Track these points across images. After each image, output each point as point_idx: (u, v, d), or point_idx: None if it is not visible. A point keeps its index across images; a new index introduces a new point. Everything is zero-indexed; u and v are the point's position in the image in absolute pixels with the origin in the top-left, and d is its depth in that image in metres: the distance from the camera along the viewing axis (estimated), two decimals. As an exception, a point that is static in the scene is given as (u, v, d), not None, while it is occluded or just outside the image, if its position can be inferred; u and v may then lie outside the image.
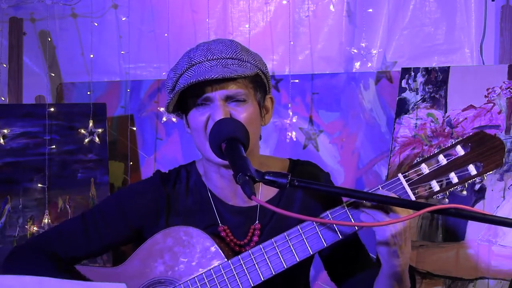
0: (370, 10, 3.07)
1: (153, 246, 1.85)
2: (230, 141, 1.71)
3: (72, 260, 1.95)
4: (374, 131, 3.05)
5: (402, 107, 2.87)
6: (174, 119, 3.14)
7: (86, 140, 3.15)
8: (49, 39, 3.34)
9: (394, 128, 2.86)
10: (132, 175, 3.26)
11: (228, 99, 1.81)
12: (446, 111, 2.80)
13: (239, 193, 1.92)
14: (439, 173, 1.65)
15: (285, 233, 1.74)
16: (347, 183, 3.05)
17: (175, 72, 1.86)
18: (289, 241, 1.73)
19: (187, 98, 1.85)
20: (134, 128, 3.32)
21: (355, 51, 3.04)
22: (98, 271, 1.94)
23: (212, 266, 1.78)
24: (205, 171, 1.97)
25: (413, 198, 1.67)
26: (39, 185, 3.07)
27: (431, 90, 2.85)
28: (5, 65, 3.31)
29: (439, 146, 2.76)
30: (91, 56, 3.32)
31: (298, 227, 1.74)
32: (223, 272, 1.76)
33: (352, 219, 1.70)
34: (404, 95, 2.89)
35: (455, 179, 1.64)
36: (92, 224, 1.95)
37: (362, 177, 3.07)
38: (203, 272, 1.78)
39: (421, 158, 1.69)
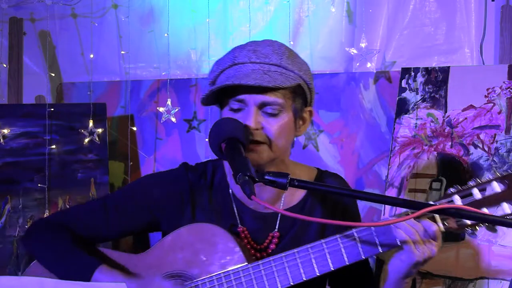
0: (370, 10, 3.07)
1: (176, 239, 1.85)
2: (230, 141, 1.71)
3: (89, 241, 1.95)
4: (374, 131, 3.05)
5: (402, 107, 2.87)
6: (173, 119, 3.14)
7: (86, 140, 3.15)
8: (49, 39, 3.34)
9: (394, 128, 2.86)
10: (132, 175, 3.26)
11: (263, 106, 1.78)
12: (446, 111, 2.80)
13: (262, 197, 1.89)
14: (472, 207, 1.61)
15: (308, 246, 1.73)
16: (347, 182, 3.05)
17: (218, 66, 1.85)
18: (311, 253, 1.72)
19: (224, 94, 1.83)
20: (134, 128, 3.32)
21: (355, 51, 3.04)
22: (119, 255, 1.93)
23: (231, 268, 1.77)
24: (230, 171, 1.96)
25: (442, 228, 1.65)
26: (39, 185, 3.07)
27: (431, 90, 2.85)
28: (5, 65, 3.31)
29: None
30: (91, 56, 3.32)
31: (322, 241, 1.72)
32: (242, 275, 1.75)
33: (377, 240, 1.68)
34: (404, 95, 2.89)
35: None
36: (113, 207, 1.93)
37: (362, 177, 3.07)
38: (222, 273, 1.78)
39: (455, 189, 1.67)
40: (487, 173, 2.63)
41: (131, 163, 3.26)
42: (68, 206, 3.09)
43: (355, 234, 1.70)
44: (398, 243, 1.66)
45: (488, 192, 1.63)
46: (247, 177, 1.56)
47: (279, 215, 1.91)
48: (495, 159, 2.64)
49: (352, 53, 3.06)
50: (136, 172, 3.30)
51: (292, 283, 1.72)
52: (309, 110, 1.92)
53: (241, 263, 1.77)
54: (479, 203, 1.63)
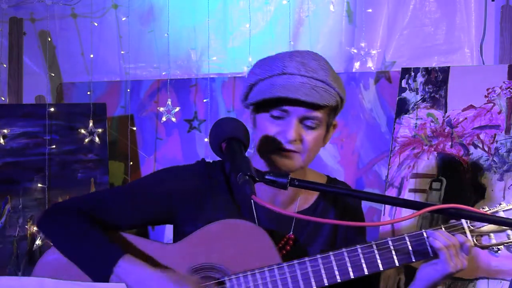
0: (370, 10, 3.07)
1: (211, 232, 1.84)
2: (230, 140, 1.71)
3: (106, 228, 1.90)
4: (374, 131, 3.06)
5: (402, 107, 2.87)
6: (174, 119, 3.14)
7: (86, 140, 3.15)
8: (49, 39, 3.34)
9: (394, 128, 2.86)
10: (132, 175, 3.26)
11: (305, 119, 1.82)
12: (446, 111, 2.80)
13: (277, 200, 1.94)
14: (498, 228, 1.78)
15: (344, 250, 1.78)
16: (347, 183, 3.05)
17: (265, 72, 1.84)
18: (346, 257, 1.77)
19: (266, 100, 1.82)
20: (134, 128, 3.32)
21: (355, 51, 3.04)
22: (144, 242, 1.89)
23: (267, 265, 1.79)
24: None
25: (473, 244, 1.80)
26: (39, 185, 3.07)
27: (431, 90, 2.85)
28: (5, 65, 3.31)
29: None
30: (91, 56, 3.32)
31: (358, 247, 1.78)
32: (276, 273, 1.77)
33: (411, 250, 1.77)
34: (404, 95, 2.89)
35: (511, 236, 1.80)
36: (134, 195, 1.91)
37: (362, 177, 3.07)
38: (257, 269, 1.79)
39: (483, 210, 1.81)
40: (487, 173, 2.64)
41: (131, 163, 3.26)
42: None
43: (390, 242, 1.78)
44: (431, 254, 1.77)
45: None
46: (247, 177, 1.57)
47: (294, 218, 1.94)
48: (495, 159, 2.64)
49: (353, 53, 3.06)
50: (136, 172, 3.30)
51: (326, 284, 1.76)
52: (335, 123, 1.97)
53: (277, 261, 1.80)
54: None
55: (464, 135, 2.72)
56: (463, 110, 2.76)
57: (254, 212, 1.93)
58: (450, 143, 2.74)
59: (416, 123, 2.83)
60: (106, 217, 1.89)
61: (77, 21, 3.39)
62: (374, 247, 1.78)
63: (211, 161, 2.01)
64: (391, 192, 2.79)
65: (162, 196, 1.92)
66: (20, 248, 3.02)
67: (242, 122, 1.78)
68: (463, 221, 1.80)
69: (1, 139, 3.08)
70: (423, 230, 1.80)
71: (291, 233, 1.94)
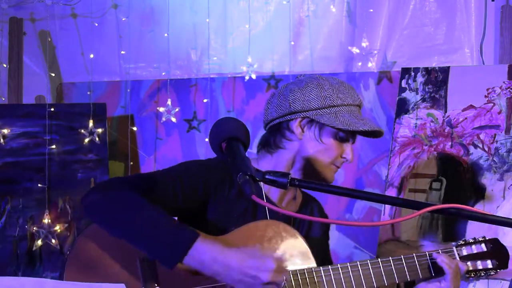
0: (371, 10, 3.07)
1: (255, 230, 1.87)
2: (230, 140, 1.71)
3: None
4: (374, 131, 3.06)
5: (402, 107, 2.87)
6: (174, 119, 3.14)
7: (86, 140, 3.15)
8: (49, 39, 3.34)
9: (394, 128, 2.86)
10: (132, 175, 3.26)
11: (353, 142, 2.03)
12: (446, 111, 2.80)
13: (286, 198, 2.03)
14: (473, 257, 2.06)
15: (379, 259, 1.94)
16: (347, 183, 3.05)
17: (346, 97, 1.95)
18: (381, 266, 1.93)
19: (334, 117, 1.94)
20: (134, 128, 3.32)
21: (357, 50, 3.04)
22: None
23: (303, 267, 1.85)
24: None
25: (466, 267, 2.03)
26: (39, 185, 3.07)
27: (431, 90, 2.85)
28: (5, 65, 3.31)
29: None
30: (91, 56, 3.32)
31: (391, 258, 1.94)
32: (314, 275, 1.84)
33: (430, 266, 1.98)
34: (404, 95, 2.89)
35: (480, 266, 2.06)
36: (174, 182, 1.88)
37: (362, 177, 3.07)
38: (297, 269, 1.83)
39: (462, 242, 2.06)
40: (487, 173, 2.64)
41: (131, 163, 3.27)
42: (68, 206, 3.09)
43: (403, 259, 1.96)
44: (433, 273, 1.98)
45: (480, 250, 2.07)
46: (247, 177, 1.56)
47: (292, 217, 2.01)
48: (495, 159, 2.64)
49: (355, 52, 3.06)
50: (136, 172, 3.30)
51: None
52: None
53: (312, 264, 1.86)
54: (474, 256, 2.06)
55: (464, 135, 2.72)
56: (463, 110, 2.76)
57: (267, 210, 1.95)
58: (450, 143, 2.74)
59: (416, 123, 2.83)
60: (158, 198, 1.83)
61: (77, 21, 3.39)
62: (391, 262, 1.94)
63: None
64: (391, 192, 2.79)
65: (198, 185, 1.91)
66: (20, 248, 3.02)
67: (242, 122, 1.78)
68: (454, 248, 2.03)
69: (1, 139, 3.08)
70: (427, 251, 1.99)
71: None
